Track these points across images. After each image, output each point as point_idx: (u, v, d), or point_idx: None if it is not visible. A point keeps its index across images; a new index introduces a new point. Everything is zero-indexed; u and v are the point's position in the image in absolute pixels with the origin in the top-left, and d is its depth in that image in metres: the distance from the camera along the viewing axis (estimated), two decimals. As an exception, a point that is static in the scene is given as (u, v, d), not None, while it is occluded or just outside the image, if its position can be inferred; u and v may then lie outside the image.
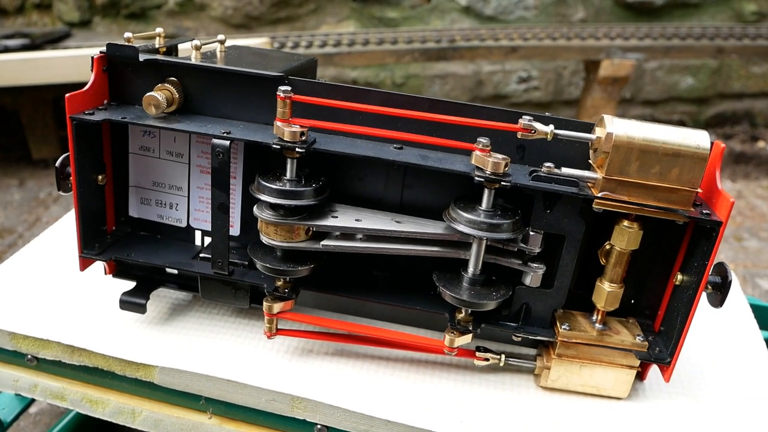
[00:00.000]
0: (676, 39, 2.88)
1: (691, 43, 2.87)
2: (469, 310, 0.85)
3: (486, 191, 0.79)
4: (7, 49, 2.48)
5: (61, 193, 0.87)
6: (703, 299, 0.83)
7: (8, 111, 2.78)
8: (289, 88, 0.77)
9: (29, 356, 0.94)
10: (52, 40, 2.77)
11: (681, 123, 3.58)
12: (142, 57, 0.85)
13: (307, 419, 0.86)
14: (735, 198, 2.64)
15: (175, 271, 0.97)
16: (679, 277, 0.83)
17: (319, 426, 0.86)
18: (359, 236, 0.85)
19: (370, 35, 2.74)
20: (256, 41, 2.56)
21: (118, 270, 0.96)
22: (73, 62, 2.41)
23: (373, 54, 2.67)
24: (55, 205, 2.41)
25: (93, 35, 3.11)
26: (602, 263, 0.84)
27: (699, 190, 0.76)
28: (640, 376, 0.91)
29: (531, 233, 0.81)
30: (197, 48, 0.89)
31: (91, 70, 0.85)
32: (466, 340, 0.85)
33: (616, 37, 2.85)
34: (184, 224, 0.96)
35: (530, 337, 0.87)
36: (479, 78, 3.35)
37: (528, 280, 0.85)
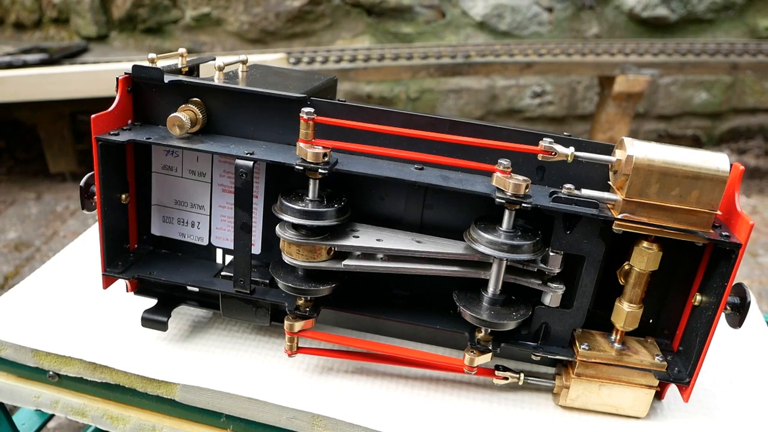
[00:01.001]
0: (691, 55, 2.88)
1: (705, 59, 2.88)
2: (489, 330, 0.85)
3: (506, 212, 0.79)
4: (25, 63, 2.51)
5: (85, 212, 0.88)
6: (720, 319, 0.84)
7: (26, 125, 2.81)
8: (312, 109, 0.78)
9: (51, 373, 0.95)
10: (70, 55, 2.80)
11: (695, 138, 3.57)
12: (167, 78, 0.86)
13: (328, 437, 0.87)
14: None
15: (197, 289, 0.98)
16: (698, 297, 0.83)
17: (339, 444, 0.87)
18: (380, 256, 0.86)
19: (385, 50, 2.76)
20: (272, 57, 2.59)
21: (139, 287, 0.97)
22: (91, 77, 2.44)
23: (389, 69, 2.69)
24: (72, 218, 2.43)
25: (110, 50, 3.15)
26: (621, 283, 0.84)
27: (718, 212, 0.76)
28: (659, 395, 0.91)
29: (551, 254, 0.82)
30: (220, 69, 0.90)
31: (116, 91, 0.86)
32: (485, 359, 0.86)
33: (631, 53, 2.86)
34: (205, 242, 0.97)
35: (549, 356, 0.88)
36: (493, 93, 3.36)
37: (547, 300, 0.86)
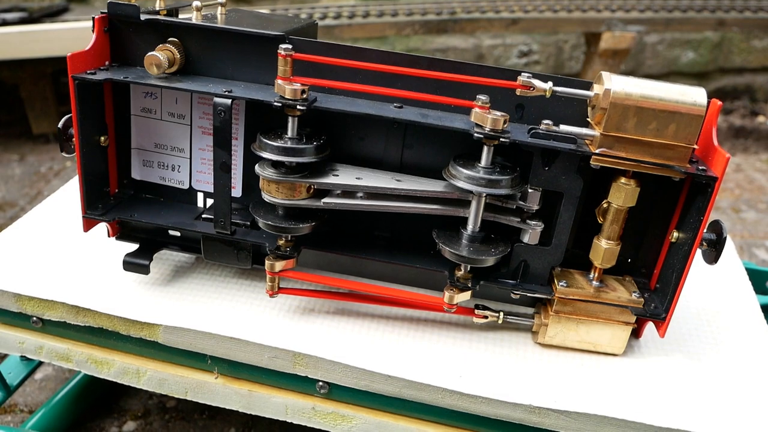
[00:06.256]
0: (677, 11, 2.87)
1: (692, 15, 2.86)
2: (468, 267, 0.86)
3: (485, 148, 0.79)
4: (5, 22, 2.47)
5: (64, 154, 0.88)
6: (699, 261, 0.84)
7: (7, 85, 2.77)
8: (290, 46, 0.78)
9: (34, 318, 0.95)
10: (50, 14, 2.76)
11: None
12: (143, 16, 0.85)
13: (309, 376, 0.88)
14: (734, 171, 2.65)
15: (178, 233, 0.98)
16: (675, 234, 0.84)
17: (320, 382, 0.88)
18: (360, 194, 0.86)
19: (370, 7, 2.74)
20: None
21: (121, 232, 0.97)
22: (73, 35, 2.41)
23: (374, 26, 2.66)
24: (56, 179, 2.42)
25: (91, 9, 3.10)
26: (600, 222, 0.85)
27: (695, 147, 0.76)
28: (636, 333, 0.92)
29: (529, 190, 0.82)
30: (198, 9, 0.89)
31: (93, 31, 0.85)
32: (465, 297, 0.86)
33: (617, 9, 2.84)
34: (186, 186, 0.97)
35: (528, 294, 0.88)
36: (480, 52, 3.34)
37: (526, 238, 0.86)
